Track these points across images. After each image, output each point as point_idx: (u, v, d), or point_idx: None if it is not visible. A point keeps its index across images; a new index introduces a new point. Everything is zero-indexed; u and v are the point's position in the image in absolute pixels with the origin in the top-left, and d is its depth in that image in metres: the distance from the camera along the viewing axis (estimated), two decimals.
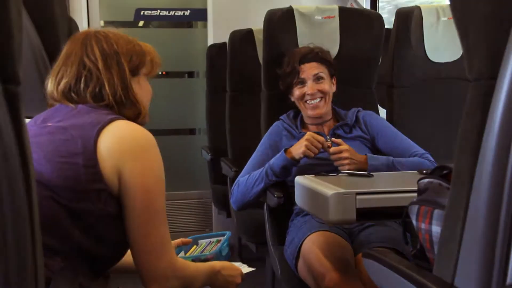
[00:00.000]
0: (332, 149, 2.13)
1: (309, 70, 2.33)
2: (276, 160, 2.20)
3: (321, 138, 2.13)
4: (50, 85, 1.46)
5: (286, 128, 2.38)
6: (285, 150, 2.18)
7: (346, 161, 2.10)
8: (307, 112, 2.35)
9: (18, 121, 0.82)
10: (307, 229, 2.09)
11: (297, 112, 2.42)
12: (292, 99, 2.40)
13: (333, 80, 2.39)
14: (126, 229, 1.36)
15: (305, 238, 2.04)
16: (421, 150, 2.27)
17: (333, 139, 2.18)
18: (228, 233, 1.82)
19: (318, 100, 2.32)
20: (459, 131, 1.00)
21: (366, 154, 2.17)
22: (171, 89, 4.57)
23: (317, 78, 2.33)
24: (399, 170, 2.13)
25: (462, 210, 0.98)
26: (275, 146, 2.34)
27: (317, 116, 2.34)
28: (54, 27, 1.77)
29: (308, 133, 2.17)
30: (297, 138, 2.29)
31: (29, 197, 0.85)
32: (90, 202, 1.31)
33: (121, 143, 1.33)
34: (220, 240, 1.81)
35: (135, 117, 1.46)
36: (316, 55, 2.35)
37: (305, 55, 2.34)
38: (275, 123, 2.42)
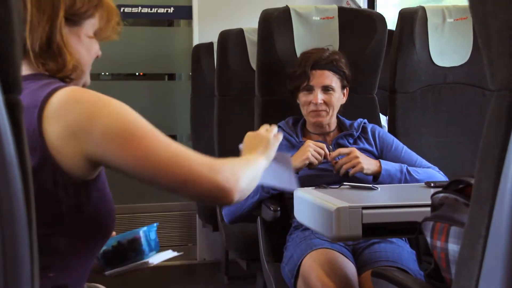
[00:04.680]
0: (337, 151, 2.18)
1: (320, 78, 2.33)
2: None
3: (322, 145, 2.18)
4: None
5: (285, 137, 2.37)
6: None
7: (357, 160, 2.14)
8: (309, 118, 2.38)
9: (18, 131, 0.83)
10: (307, 245, 2.10)
11: (297, 119, 2.45)
12: (298, 100, 2.42)
13: (344, 91, 2.40)
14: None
15: (305, 255, 2.05)
16: (430, 165, 2.30)
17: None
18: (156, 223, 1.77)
19: (321, 110, 2.33)
20: (480, 144, 1.02)
21: (379, 160, 2.22)
22: (149, 92, 4.58)
23: (326, 89, 2.33)
24: (414, 177, 2.17)
25: (483, 228, 1.00)
26: None
27: (318, 124, 2.37)
28: None
29: (308, 141, 2.21)
30: (296, 147, 2.30)
31: (29, 208, 0.86)
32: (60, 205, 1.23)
33: (69, 123, 1.19)
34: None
35: (59, 71, 1.33)
36: (331, 63, 2.34)
37: (318, 60, 2.34)
38: None
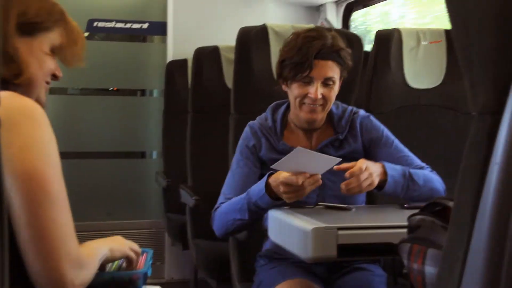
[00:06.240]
0: (349, 173, 1.86)
1: (322, 69, 2.04)
2: (260, 200, 1.93)
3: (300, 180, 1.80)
4: None
5: (265, 134, 2.17)
6: (267, 187, 1.92)
7: (371, 178, 1.88)
8: (301, 114, 2.12)
9: None
10: (278, 273, 2.04)
11: (275, 108, 2.24)
12: (284, 88, 2.17)
13: (340, 81, 2.15)
14: (14, 228, 1.14)
15: (278, 285, 1.98)
16: (423, 164, 2.15)
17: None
18: (151, 250, 1.74)
19: (318, 105, 2.09)
20: (460, 167, 1.03)
21: (381, 162, 1.99)
22: (121, 107, 4.56)
23: (327, 82, 2.07)
24: (416, 184, 2.00)
25: (461, 251, 1.00)
26: (255, 152, 2.16)
27: (310, 121, 2.13)
28: None
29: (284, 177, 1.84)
30: (278, 151, 2.11)
31: (1, 229, 0.84)
32: None
33: None
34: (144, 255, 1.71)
35: (14, 77, 1.28)
36: (337, 53, 2.06)
37: (322, 49, 2.03)
38: (249, 124, 2.23)
